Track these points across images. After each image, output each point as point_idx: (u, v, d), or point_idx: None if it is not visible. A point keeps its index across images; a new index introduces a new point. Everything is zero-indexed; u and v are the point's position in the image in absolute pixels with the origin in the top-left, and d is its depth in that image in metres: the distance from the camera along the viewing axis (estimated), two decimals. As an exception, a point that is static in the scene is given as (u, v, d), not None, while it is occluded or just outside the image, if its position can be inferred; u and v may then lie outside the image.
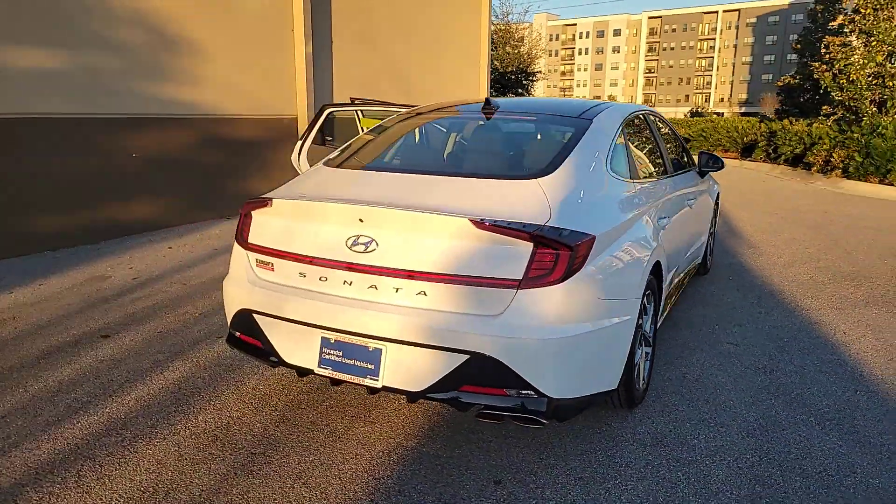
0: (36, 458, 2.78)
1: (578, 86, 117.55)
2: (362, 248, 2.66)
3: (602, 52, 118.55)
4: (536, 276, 2.44)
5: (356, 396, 3.36)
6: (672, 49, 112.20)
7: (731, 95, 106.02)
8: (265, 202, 2.94)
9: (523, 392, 2.48)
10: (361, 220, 2.66)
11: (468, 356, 2.47)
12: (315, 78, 9.61)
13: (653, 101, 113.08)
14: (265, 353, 2.96)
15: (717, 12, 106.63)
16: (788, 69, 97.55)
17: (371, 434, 3.02)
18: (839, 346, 4.19)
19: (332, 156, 3.53)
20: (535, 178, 2.86)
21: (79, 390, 3.43)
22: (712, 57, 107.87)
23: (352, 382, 2.71)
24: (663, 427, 3.11)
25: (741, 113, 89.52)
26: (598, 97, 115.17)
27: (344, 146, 3.66)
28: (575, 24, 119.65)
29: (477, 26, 13.73)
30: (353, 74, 10.51)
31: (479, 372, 2.48)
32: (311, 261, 2.80)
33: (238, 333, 3.09)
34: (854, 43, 15.74)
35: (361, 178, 3.20)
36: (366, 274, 2.67)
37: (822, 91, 17.94)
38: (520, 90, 27.06)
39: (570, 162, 2.99)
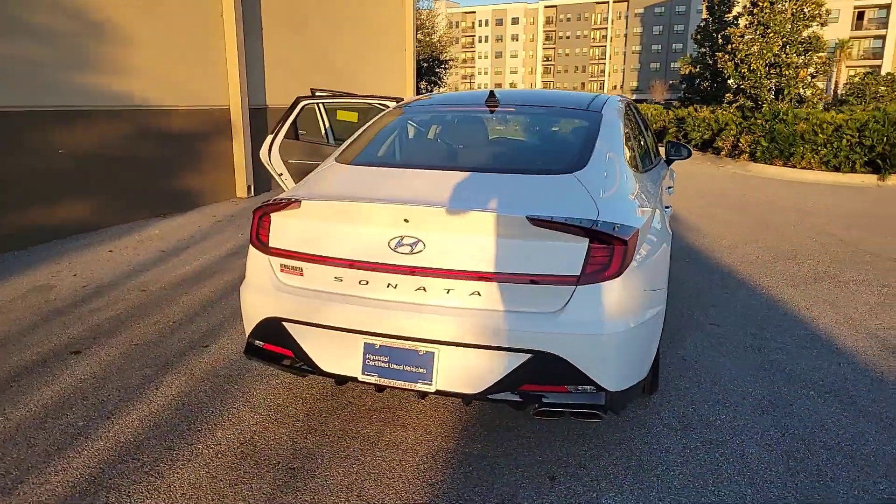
0: (50, 493, 2.51)
1: (480, 73, 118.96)
2: (408, 248, 2.57)
3: (501, 39, 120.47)
4: (594, 272, 2.45)
5: (376, 400, 3.26)
6: (568, 38, 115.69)
7: (623, 83, 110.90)
8: (289, 203, 2.78)
9: (581, 387, 2.49)
10: (407, 221, 2.56)
11: (531, 354, 2.45)
12: (247, 66, 9.17)
13: (551, 88, 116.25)
14: (296, 362, 2.81)
15: (608, 2, 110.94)
16: (674, 57, 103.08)
17: (407, 438, 2.94)
18: (808, 322, 4.49)
19: (341, 152, 3.37)
20: (571, 172, 2.86)
21: (70, 414, 3.13)
22: (605, 46, 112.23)
23: (400, 388, 2.62)
24: (685, 410, 3.23)
25: (635, 100, 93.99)
26: (499, 84, 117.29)
27: (350, 141, 3.52)
28: (474, 12, 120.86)
29: (402, 14, 13.57)
30: (284, 62, 10.12)
31: (540, 370, 2.46)
32: (350, 264, 2.68)
33: (261, 343, 2.92)
34: (750, 36, 16.87)
35: (391, 175, 3.08)
36: (413, 276, 2.58)
37: (720, 80, 19.18)
38: (433, 78, 27.07)
39: (597, 155, 3.01)
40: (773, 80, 16.03)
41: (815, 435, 3.01)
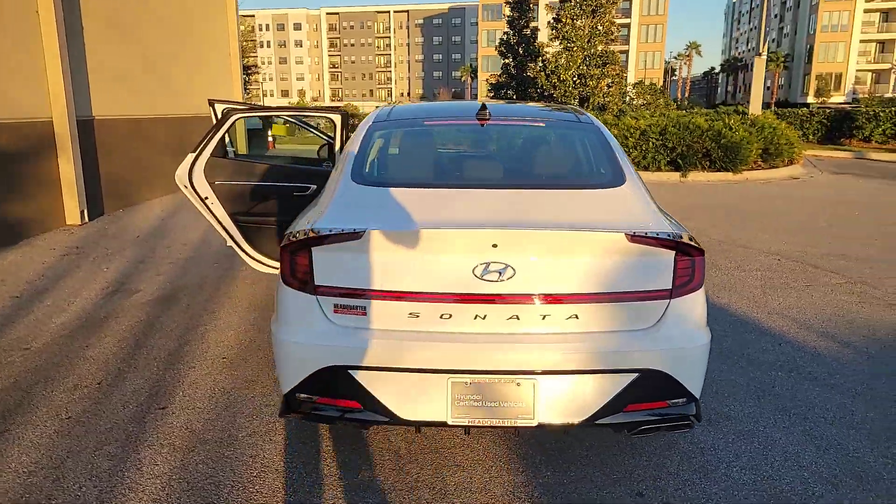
0: None
1: (265, 79, 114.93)
2: (496, 276, 2.40)
3: (285, 45, 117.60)
4: (681, 284, 2.49)
5: (409, 443, 2.99)
6: (353, 45, 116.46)
7: (409, 90, 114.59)
8: (340, 236, 2.43)
9: (678, 400, 2.52)
10: (495, 246, 2.38)
11: (637, 374, 2.42)
12: (71, 72, 7.87)
13: (340, 95, 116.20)
14: (364, 413, 2.47)
15: (388, 12, 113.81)
16: (455, 66, 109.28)
17: (472, 479, 2.74)
18: (725, 308, 5.00)
19: (355, 172, 3.01)
20: (618, 185, 2.87)
21: (46, 522, 2.43)
22: (389, 54, 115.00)
23: (497, 427, 2.43)
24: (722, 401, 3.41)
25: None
26: (286, 91, 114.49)
27: (351, 160, 3.17)
28: (254, 16, 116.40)
29: (225, 18, 12.62)
30: (109, 68, 8.86)
31: (645, 388, 2.44)
32: (430, 297, 2.42)
33: (314, 398, 2.52)
34: (555, 49, 18.43)
35: (444, 197, 2.81)
36: (505, 304, 2.41)
37: (525, 88, 20.73)
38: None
39: (626, 167, 3.05)
40: (579, 90, 17.75)
41: (812, 411, 3.35)
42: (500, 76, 24.87)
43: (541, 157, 3.45)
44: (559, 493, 2.63)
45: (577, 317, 2.43)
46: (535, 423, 2.40)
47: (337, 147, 4.33)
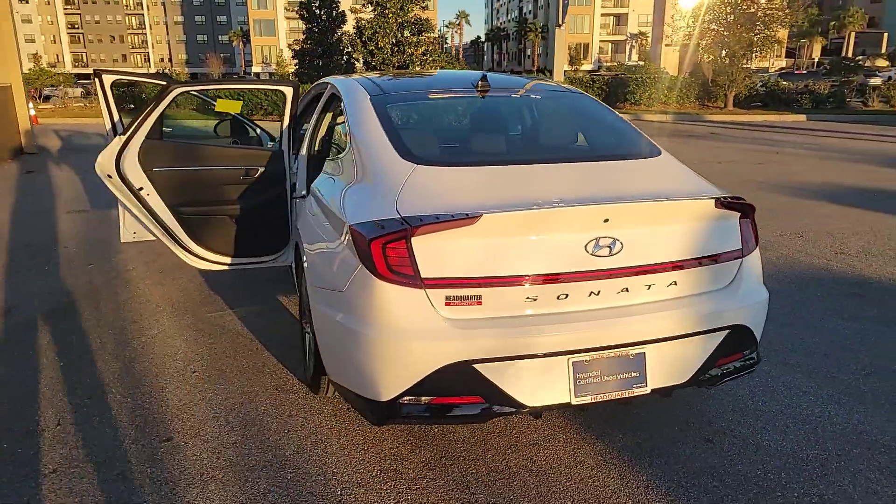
0: None
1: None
2: (606, 250, 2.41)
3: None
4: (747, 244, 2.72)
5: (471, 431, 2.90)
6: (95, 3, 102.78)
7: (171, 56, 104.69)
8: (450, 222, 2.26)
9: (750, 349, 2.75)
10: (607, 220, 2.39)
11: (728, 331, 2.60)
12: None
13: (84, 60, 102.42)
14: (485, 407, 2.36)
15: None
16: (222, 30, 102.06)
17: (562, 455, 2.74)
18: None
19: (398, 150, 2.75)
20: (657, 155, 3.00)
21: None
22: (142, 14, 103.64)
23: (616, 400, 2.47)
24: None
25: (191, 74, 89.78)
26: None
27: (392, 138, 2.89)
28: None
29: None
30: None
31: (732, 343, 2.63)
32: (547, 279, 2.36)
33: (428, 399, 2.34)
34: (369, 16, 18.06)
35: (522, 174, 2.69)
36: (616, 278, 2.44)
37: (333, 55, 20.04)
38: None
39: (643, 134, 3.20)
40: (396, 58, 17.61)
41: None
42: (304, 42, 23.76)
43: (566, 129, 3.45)
44: (638, 452, 2.75)
45: (675, 283, 2.53)
46: (648, 391, 2.48)
47: (285, 124, 3.90)
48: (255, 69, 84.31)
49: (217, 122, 5.08)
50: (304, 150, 3.99)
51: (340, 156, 3.06)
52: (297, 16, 22.43)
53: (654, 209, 2.47)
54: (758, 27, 19.98)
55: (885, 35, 69.42)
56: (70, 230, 6.46)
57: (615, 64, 60.35)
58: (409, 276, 2.28)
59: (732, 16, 20.37)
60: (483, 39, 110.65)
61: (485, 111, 3.42)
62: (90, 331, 3.96)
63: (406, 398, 2.35)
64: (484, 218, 2.25)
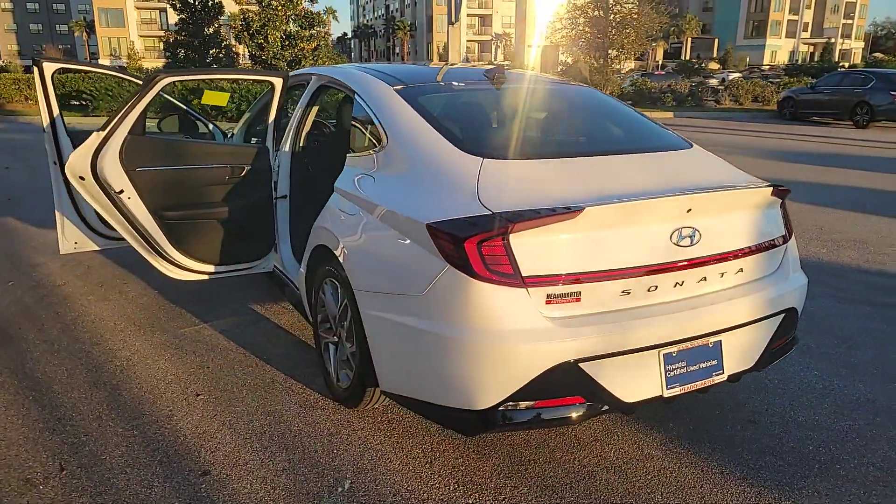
0: None
1: None
2: (688, 241, 2.43)
3: None
4: (788, 229, 2.85)
5: (527, 433, 2.82)
6: None
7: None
8: (551, 216, 2.17)
9: (795, 330, 2.87)
10: (689, 211, 2.40)
11: (783, 314, 2.70)
12: None
13: None
14: (585, 407, 2.29)
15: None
16: (58, 19, 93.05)
17: (628, 453, 2.73)
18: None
19: (454, 143, 2.60)
20: (691, 145, 3.06)
21: None
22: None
23: (697, 390, 2.49)
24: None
25: (24, 67, 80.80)
26: None
27: (457, 132, 2.74)
28: None
29: None
30: None
31: (786, 325, 2.74)
32: (639, 271, 2.33)
33: (531, 403, 2.23)
34: (255, 8, 17.13)
35: (590, 166, 2.62)
36: (696, 268, 2.46)
37: (209, 48, 18.76)
38: None
39: (666, 127, 3.26)
40: (288, 52, 16.80)
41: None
42: (178, 34, 22.01)
43: (599, 121, 3.41)
44: (695, 439, 2.80)
45: (741, 270, 2.59)
46: (725, 377, 2.53)
47: (272, 117, 3.59)
48: (103, 62, 77.67)
49: (161, 116, 4.58)
50: (286, 147, 3.70)
51: (374, 151, 2.84)
52: (168, 4, 20.79)
53: (729, 198, 2.53)
54: (628, 31, 21.32)
55: (716, 40, 77.04)
56: (-41, 243, 5.57)
57: (485, 63, 61.92)
58: (508, 274, 2.16)
59: (605, 20, 21.56)
60: (350, 36, 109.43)
61: (516, 103, 3.33)
62: (46, 358, 3.42)
63: (506, 405, 2.22)
64: (586, 211, 2.18)
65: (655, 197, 2.34)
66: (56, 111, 3.81)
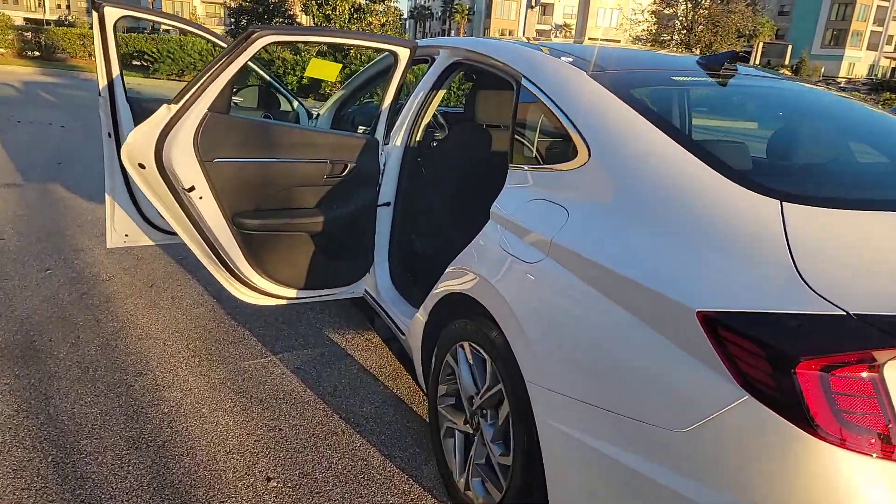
0: None
1: None
2: None
3: None
4: None
5: None
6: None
7: (69, 1, 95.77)
8: None
9: None
10: None
11: None
12: None
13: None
14: None
15: None
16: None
17: None
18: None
19: (724, 170, 1.65)
20: None
21: None
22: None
23: None
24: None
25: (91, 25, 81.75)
26: None
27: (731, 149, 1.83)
28: None
29: None
30: None
31: None
32: None
33: None
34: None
35: None
36: None
37: (272, 17, 18.10)
38: None
39: None
40: (356, 26, 15.98)
41: None
42: (242, 0, 21.37)
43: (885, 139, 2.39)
44: None
45: None
46: None
47: (387, 99, 2.74)
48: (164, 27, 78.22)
49: (238, 87, 3.78)
50: (398, 140, 2.87)
51: (563, 166, 1.93)
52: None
53: None
54: (717, 29, 19.87)
55: (790, 47, 73.47)
56: (2, 213, 4.90)
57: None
58: (877, 433, 1.23)
59: (693, 14, 20.16)
60: (406, 16, 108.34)
61: (782, 109, 2.38)
62: (77, 391, 2.67)
63: None
64: None
65: None
66: (116, 70, 3.04)
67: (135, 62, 18.44)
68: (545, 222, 1.83)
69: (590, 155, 1.82)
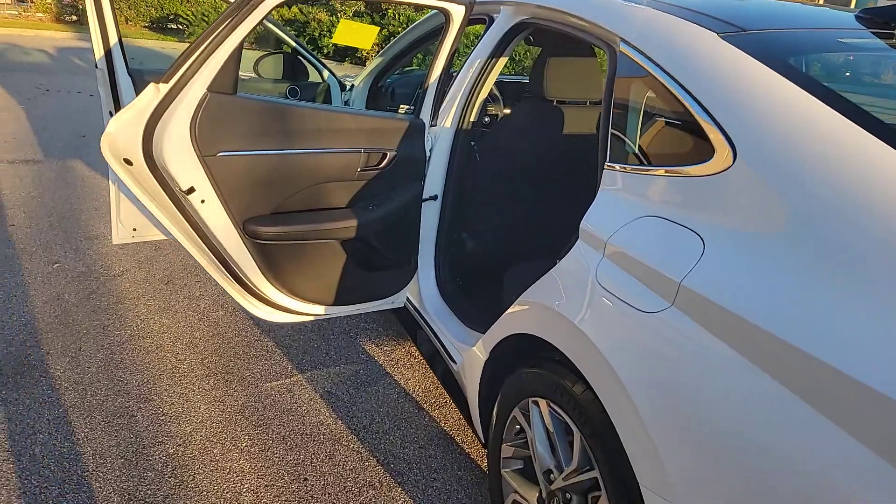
0: None
1: None
2: None
3: None
4: None
5: None
6: None
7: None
8: None
9: None
10: None
11: None
12: None
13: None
14: None
15: None
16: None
17: None
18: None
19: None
20: None
21: None
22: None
23: None
24: None
25: None
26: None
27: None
28: None
29: None
30: None
31: None
32: None
33: None
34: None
35: None
36: None
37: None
38: None
39: None
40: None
41: None
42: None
43: None
44: None
45: None
46: None
47: (436, 71, 2.20)
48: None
49: (259, 57, 3.28)
50: (448, 121, 2.35)
51: (690, 171, 1.37)
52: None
53: None
54: None
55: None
56: (16, 193, 4.54)
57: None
58: None
59: None
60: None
61: None
62: (73, 421, 2.26)
63: None
64: None
65: None
66: (114, 36, 2.56)
67: (171, 25, 18.10)
68: (668, 254, 1.29)
69: (735, 155, 1.26)
